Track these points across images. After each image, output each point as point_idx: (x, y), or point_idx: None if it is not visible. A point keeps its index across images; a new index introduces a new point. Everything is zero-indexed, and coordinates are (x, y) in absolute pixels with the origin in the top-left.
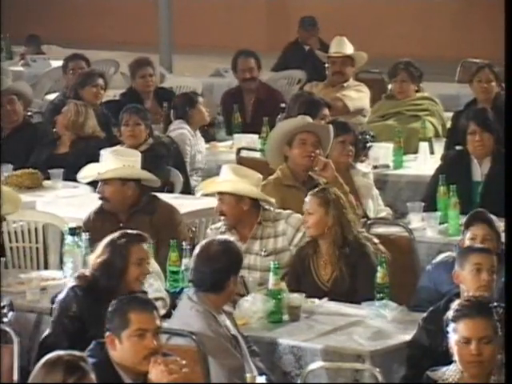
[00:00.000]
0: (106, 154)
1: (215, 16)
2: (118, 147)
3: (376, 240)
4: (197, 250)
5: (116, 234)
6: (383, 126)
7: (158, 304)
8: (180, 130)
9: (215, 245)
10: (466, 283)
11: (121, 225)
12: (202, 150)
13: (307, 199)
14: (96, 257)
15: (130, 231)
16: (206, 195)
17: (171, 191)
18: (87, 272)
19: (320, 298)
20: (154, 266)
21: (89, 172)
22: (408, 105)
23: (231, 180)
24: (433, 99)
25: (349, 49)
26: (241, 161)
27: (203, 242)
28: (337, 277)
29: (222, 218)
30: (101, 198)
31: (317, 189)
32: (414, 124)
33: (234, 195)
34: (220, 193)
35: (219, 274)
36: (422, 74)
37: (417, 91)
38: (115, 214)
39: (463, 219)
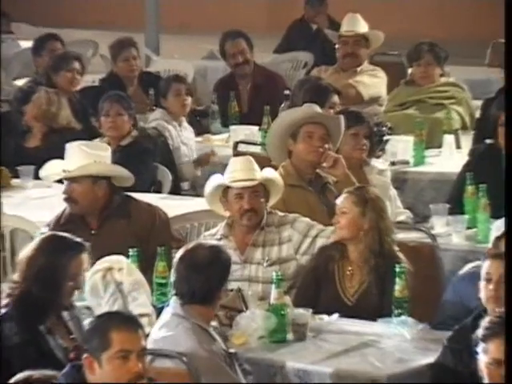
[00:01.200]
0: (72, 148)
1: None
2: (85, 141)
3: (394, 247)
4: (180, 256)
5: (49, 237)
6: (402, 116)
7: (143, 321)
8: (157, 120)
9: (203, 249)
10: (482, 296)
11: (92, 232)
12: (189, 141)
13: (342, 197)
14: (27, 264)
15: (66, 236)
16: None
17: (159, 191)
18: (15, 288)
19: (342, 312)
20: (138, 276)
21: (52, 169)
22: (431, 92)
23: (259, 171)
24: (459, 85)
25: (362, 27)
26: (238, 156)
27: (187, 247)
28: (365, 290)
29: (250, 214)
30: (67, 200)
31: (354, 187)
32: (437, 114)
33: (264, 189)
34: (253, 185)
35: (210, 283)
36: (448, 57)
37: (441, 76)
38: (84, 220)
39: (494, 223)
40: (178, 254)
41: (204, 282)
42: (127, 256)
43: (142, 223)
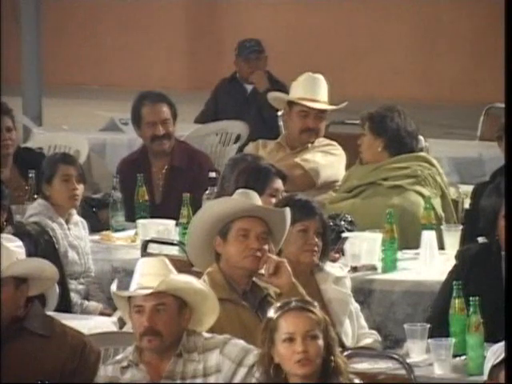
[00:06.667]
0: None
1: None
2: None
3: (358, 381)
4: None
5: None
6: (367, 206)
7: None
8: (38, 216)
9: None
10: None
11: None
12: (79, 242)
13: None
14: None
15: None
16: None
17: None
18: None
19: None
20: None
21: None
22: (384, 170)
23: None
24: (425, 157)
25: (326, 93)
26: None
27: None
28: None
29: (151, 336)
30: None
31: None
32: (394, 199)
33: (178, 300)
34: (156, 295)
35: None
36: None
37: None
38: None
39: (490, 349)
40: None
41: None
42: None
43: (66, 348)
